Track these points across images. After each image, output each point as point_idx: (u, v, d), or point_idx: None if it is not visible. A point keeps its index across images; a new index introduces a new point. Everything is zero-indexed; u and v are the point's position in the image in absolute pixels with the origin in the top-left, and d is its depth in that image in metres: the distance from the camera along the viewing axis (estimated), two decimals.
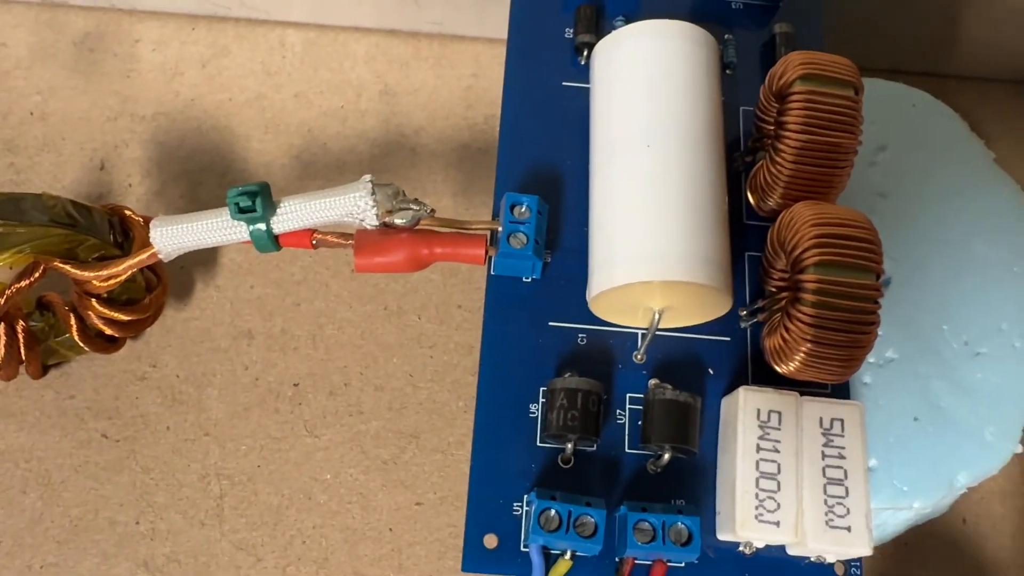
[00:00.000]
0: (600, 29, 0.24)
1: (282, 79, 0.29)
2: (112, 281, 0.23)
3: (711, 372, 0.21)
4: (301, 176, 0.27)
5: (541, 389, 0.20)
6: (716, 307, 0.20)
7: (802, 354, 0.18)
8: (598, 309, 0.20)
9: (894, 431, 0.21)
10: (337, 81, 0.29)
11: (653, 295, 0.19)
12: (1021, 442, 0.23)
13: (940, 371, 0.22)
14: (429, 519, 0.23)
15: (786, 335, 0.19)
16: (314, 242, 0.21)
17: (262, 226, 0.21)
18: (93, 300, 0.23)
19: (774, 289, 0.20)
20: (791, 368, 0.19)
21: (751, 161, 0.22)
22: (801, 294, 0.18)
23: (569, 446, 0.19)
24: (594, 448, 0.20)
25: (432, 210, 0.21)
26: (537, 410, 0.20)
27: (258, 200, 0.20)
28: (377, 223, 0.21)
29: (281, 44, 0.29)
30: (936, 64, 0.30)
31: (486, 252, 0.21)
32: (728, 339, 0.21)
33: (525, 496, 0.19)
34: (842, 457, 0.19)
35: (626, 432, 0.20)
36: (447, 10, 0.29)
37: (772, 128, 0.21)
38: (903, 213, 0.24)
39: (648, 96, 0.20)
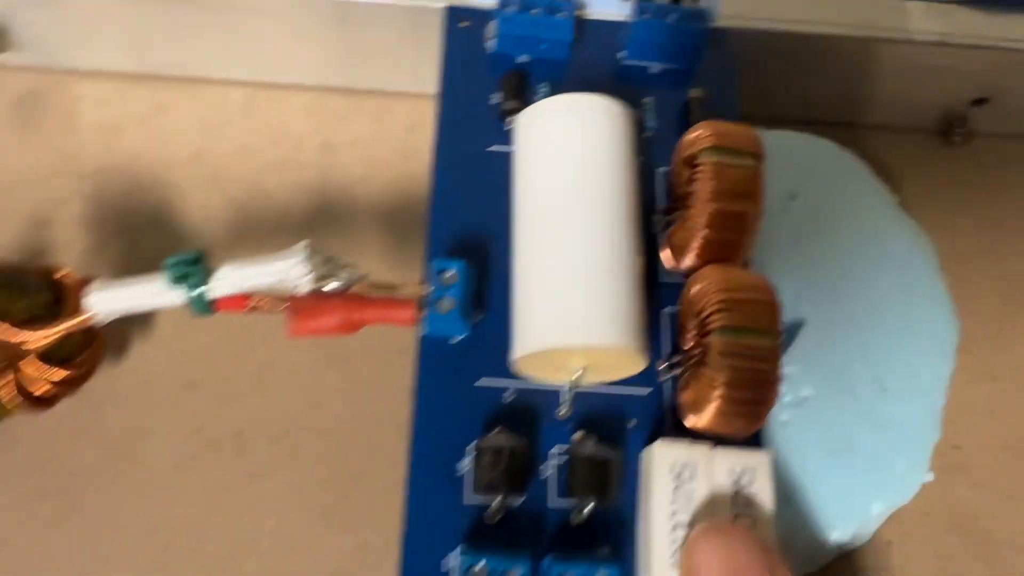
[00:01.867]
0: (525, 95, 0.25)
1: (224, 133, 0.29)
2: (46, 342, 0.23)
3: (633, 423, 0.22)
4: (242, 229, 0.28)
5: (470, 447, 0.21)
6: (633, 366, 0.21)
7: (709, 412, 0.20)
8: (522, 370, 0.21)
9: (810, 468, 0.23)
10: (278, 134, 0.30)
11: (572, 356, 0.20)
12: (930, 470, 0.25)
13: (853, 407, 0.23)
14: (375, 562, 0.24)
15: (695, 393, 0.20)
16: (250, 307, 0.22)
17: (197, 293, 0.22)
18: (27, 360, 0.24)
19: (689, 346, 0.21)
20: (700, 424, 0.20)
21: (669, 221, 0.24)
22: (707, 355, 0.19)
23: (496, 502, 0.20)
24: (520, 502, 0.21)
25: (364, 275, 0.22)
26: (466, 468, 0.21)
27: (194, 268, 0.21)
28: (311, 289, 0.22)
29: (222, 101, 0.30)
30: (848, 115, 0.32)
31: (416, 315, 0.22)
32: (648, 391, 0.22)
33: (453, 553, 0.20)
34: (750, 506, 0.20)
35: (550, 486, 0.21)
36: (383, 68, 0.30)
37: (683, 192, 0.23)
38: (814, 257, 0.25)
39: (564, 167, 0.22)
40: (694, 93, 0.25)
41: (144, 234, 0.28)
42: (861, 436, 0.23)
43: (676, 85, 0.26)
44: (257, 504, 0.25)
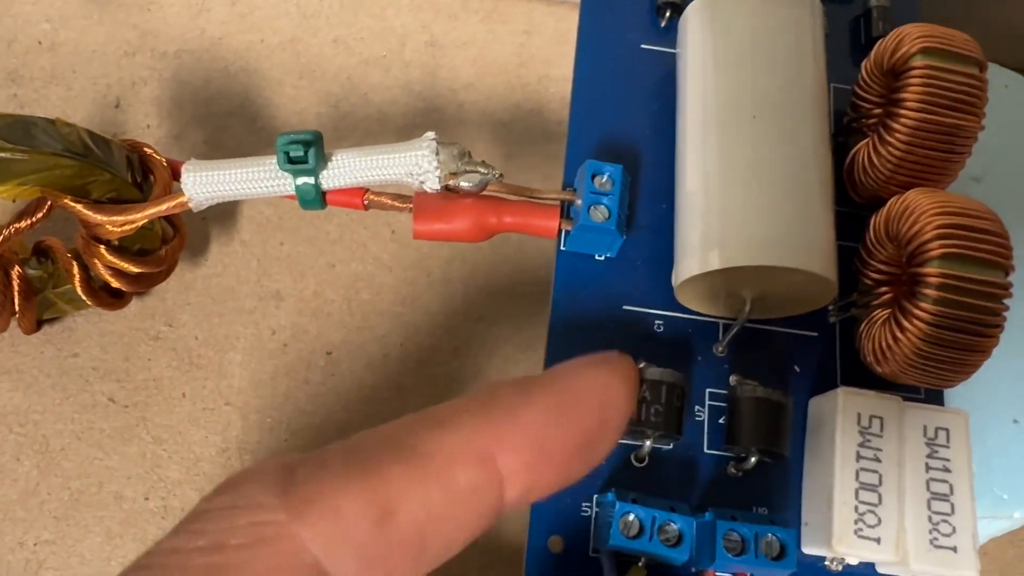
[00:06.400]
0: None
1: (319, 22, 0.26)
2: (128, 227, 0.20)
3: (797, 370, 0.19)
4: (338, 126, 0.25)
5: None
6: (816, 299, 0.18)
7: (914, 355, 0.17)
8: (684, 294, 0.18)
9: (993, 434, 0.20)
10: (379, 28, 0.26)
11: (750, 282, 0.17)
12: None
13: None
14: None
15: (897, 333, 0.17)
16: (366, 202, 0.19)
17: (311, 180, 0.19)
18: (101, 247, 0.21)
19: (872, 282, 0.18)
20: (896, 369, 0.17)
21: (843, 143, 0.21)
22: (921, 289, 0.16)
23: (647, 443, 0.17)
24: (671, 446, 0.18)
25: (500, 175, 0.19)
26: None
27: (311, 151, 0.18)
28: (439, 186, 0.19)
29: None
30: (1012, 55, 0.28)
31: (559, 225, 0.19)
32: (815, 335, 0.19)
33: (595, 496, 0.17)
34: (947, 471, 0.17)
35: (705, 431, 0.18)
36: None
37: (875, 108, 0.19)
38: (998, 198, 0.22)
39: (754, 64, 0.18)
40: (876, 1, 0.22)
41: (228, 124, 0.25)
42: None
43: None
44: (347, 433, 0.22)
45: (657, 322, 0.19)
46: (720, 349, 0.19)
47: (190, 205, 0.19)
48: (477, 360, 0.23)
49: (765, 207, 0.17)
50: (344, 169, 0.19)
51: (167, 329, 0.23)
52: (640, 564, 0.17)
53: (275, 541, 0.11)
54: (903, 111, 0.18)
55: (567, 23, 0.23)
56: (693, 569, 0.17)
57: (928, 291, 0.16)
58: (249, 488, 0.12)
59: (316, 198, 0.19)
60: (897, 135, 0.18)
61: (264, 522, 0.12)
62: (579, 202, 0.19)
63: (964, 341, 0.16)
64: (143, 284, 0.22)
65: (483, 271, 0.23)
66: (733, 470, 0.18)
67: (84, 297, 0.21)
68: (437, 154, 0.19)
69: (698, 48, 0.19)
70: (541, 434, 0.13)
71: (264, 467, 0.12)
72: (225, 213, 0.24)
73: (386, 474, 0.12)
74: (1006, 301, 0.16)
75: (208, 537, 0.12)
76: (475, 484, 0.13)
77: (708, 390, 0.18)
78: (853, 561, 0.17)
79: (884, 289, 0.18)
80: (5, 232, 0.21)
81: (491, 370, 0.22)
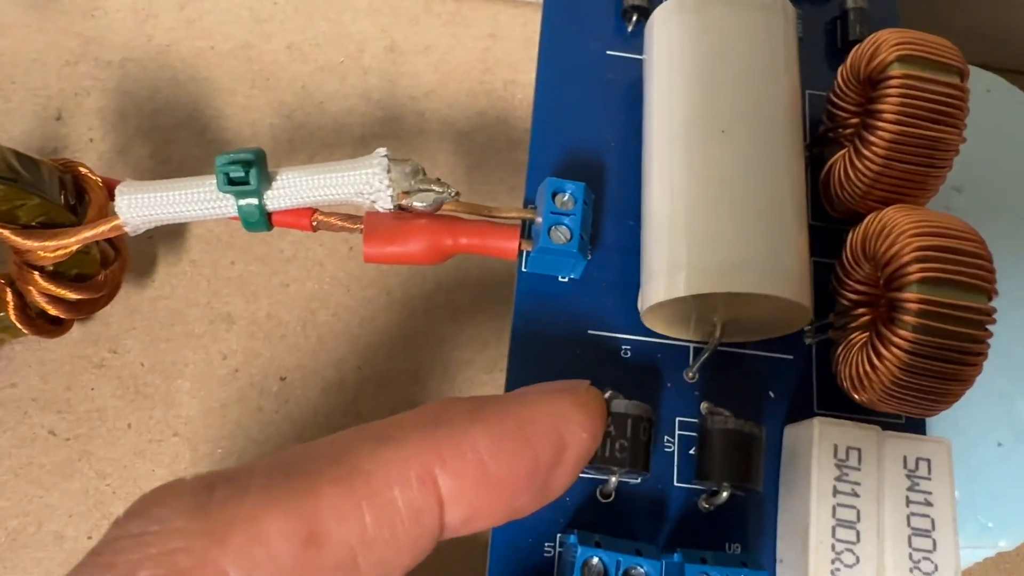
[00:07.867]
0: None
1: (273, 28, 0.25)
2: (61, 253, 0.19)
3: (771, 395, 0.18)
4: (292, 138, 0.24)
5: None
6: (790, 323, 0.17)
7: (892, 384, 0.16)
8: (650, 319, 0.17)
9: (976, 457, 0.19)
10: (336, 33, 0.25)
11: (720, 307, 0.17)
12: None
13: None
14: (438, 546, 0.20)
15: (875, 360, 0.16)
16: (314, 224, 0.18)
17: (254, 201, 0.18)
18: (35, 274, 0.20)
19: (849, 303, 0.17)
20: (874, 398, 0.16)
21: (819, 154, 0.20)
22: (898, 315, 0.15)
23: (613, 479, 0.16)
24: (639, 480, 0.17)
25: (456, 193, 0.18)
26: None
27: (252, 171, 0.17)
28: (391, 206, 0.18)
29: None
30: (993, 56, 0.27)
31: (519, 246, 0.18)
32: (790, 358, 0.18)
33: (558, 536, 0.16)
34: (929, 504, 0.16)
35: (675, 463, 0.17)
36: None
37: (852, 117, 0.18)
38: (980, 209, 0.21)
39: (723, 74, 0.17)
40: (854, 2, 0.21)
41: (175, 136, 0.24)
42: None
43: None
44: None
45: (624, 347, 0.18)
46: (690, 375, 0.18)
47: (126, 229, 0.18)
48: (439, 384, 0.22)
49: (735, 229, 0.16)
50: (290, 189, 0.18)
51: (111, 356, 0.22)
52: None
53: (192, 572, 0.10)
54: (880, 123, 0.17)
55: (533, 26, 0.21)
56: None
57: (906, 317, 0.15)
58: (162, 511, 0.11)
59: (261, 220, 0.18)
60: (874, 149, 0.17)
61: (179, 549, 0.11)
62: (540, 220, 0.18)
63: (945, 370, 0.15)
64: (83, 310, 0.21)
65: (445, 290, 0.22)
66: (705, 504, 0.17)
67: (19, 325, 0.20)
68: (389, 172, 0.18)
69: (664, 56, 0.18)
70: (487, 458, 0.13)
71: (179, 486, 0.11)
72: (172, 232, 0.23)
73: (315, 493, 0.11)
74: (991, 326, 0.15)
75: (117, 570, 0.11)
76: (414, 506, 0.12)
77: (678, 418, 0.17)
78: None
79: (862, 311, 0.17)
80: None
81: (452, 393, 0.21)
